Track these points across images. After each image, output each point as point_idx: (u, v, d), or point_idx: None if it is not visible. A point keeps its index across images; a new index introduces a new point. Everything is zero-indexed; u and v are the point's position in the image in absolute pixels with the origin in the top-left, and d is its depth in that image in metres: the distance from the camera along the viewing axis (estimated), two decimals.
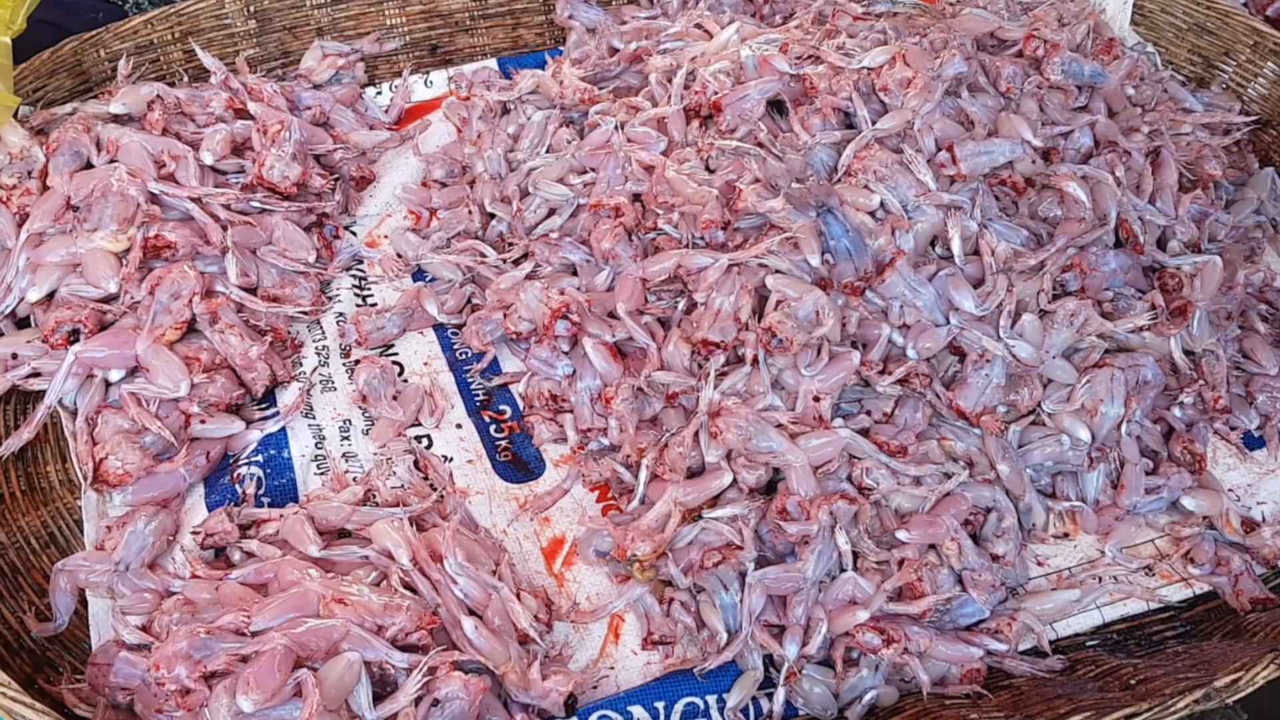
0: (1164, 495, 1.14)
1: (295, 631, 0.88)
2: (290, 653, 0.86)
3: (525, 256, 1.32)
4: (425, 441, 1.20)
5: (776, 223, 1.12)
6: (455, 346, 1.31)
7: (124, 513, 1.09)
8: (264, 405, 1.23)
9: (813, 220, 1.10)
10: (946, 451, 1.11)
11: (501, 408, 1.25)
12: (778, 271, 1.11)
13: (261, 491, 1.14)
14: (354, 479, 1.15)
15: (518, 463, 1.21)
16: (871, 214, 1.14)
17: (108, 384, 1.17)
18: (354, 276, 1.38)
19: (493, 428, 1.23)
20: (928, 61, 1.20)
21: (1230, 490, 1.18)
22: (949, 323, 1.12)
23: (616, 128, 1.34)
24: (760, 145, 1.17)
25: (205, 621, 0.91)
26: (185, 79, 1.51)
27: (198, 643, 0.87)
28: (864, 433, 1.10)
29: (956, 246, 1.14)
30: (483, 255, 1.34)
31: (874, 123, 1.20)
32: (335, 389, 1.25)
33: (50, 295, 1.20)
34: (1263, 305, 1.33)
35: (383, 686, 0.92)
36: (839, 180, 1.16)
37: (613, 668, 1.04)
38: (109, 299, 1.20)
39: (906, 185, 1.15)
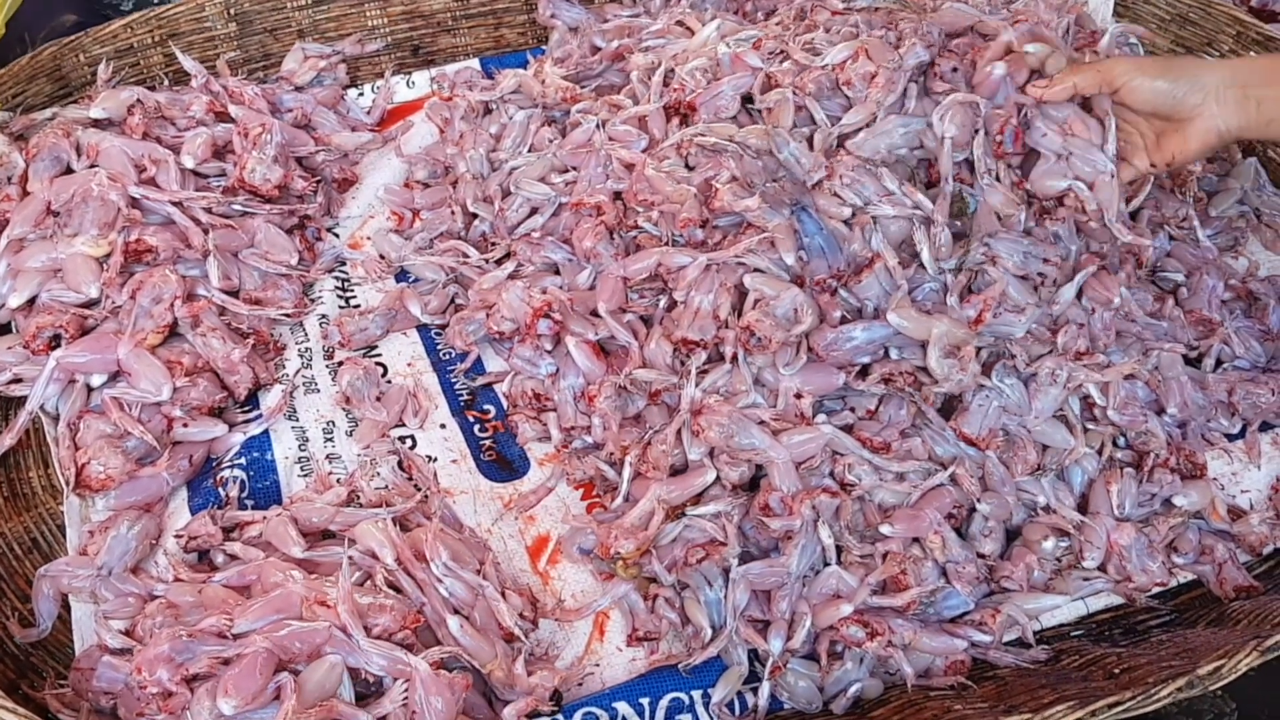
0: (1156, 498, 1.14)
1: (277, 634, 0.88)
2: (272, 655, 0.86)
3: (508, 256, 1.32)
4: (409, 442, 1.20)
5: (753, 221, 1.12)
6: (439, 347, 1.31)
7: (107, 517, 1.09)
8: (247, 408, 1.23)
9: (787, 219, 1.11)
10: (930, 455, 1.11)
11: (485, 407, 1.25)
12: (756, 270, 1.11)
13: (245, 494, 1.14)
14: (338, 480, 1.15)
15: (502, 462, 1.21)
16: (845, 222, 1.14)
17: (90, 389, 1.17)
18: (337, 278, 1.38)
19: (477, 427, 1.23)
20: (889, 53, 1.19)
21: (1215, 479, 1.18)
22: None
23: (598, 126, 1.34)
24: (735, 142, 1.17)
25: (187, 625, 0.91)
26: (166, 82, 1.50)
27: (179, 646, 0.87)
28: (848, 429, 1.10)
29: (926, 257, 1.13)
30: (465, 255, 1.34)
31: (840, 118, 1.20)
32: (318, 390, 1.25)
33: (31, 301, 1.20)
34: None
35: (367, 686, 0.92)
36: (814, 187, 1.16)
37: (598, 664, 1.04)
38: (90, 304, 1.20)
39: (875, 190, 1.14)
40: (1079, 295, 1.19)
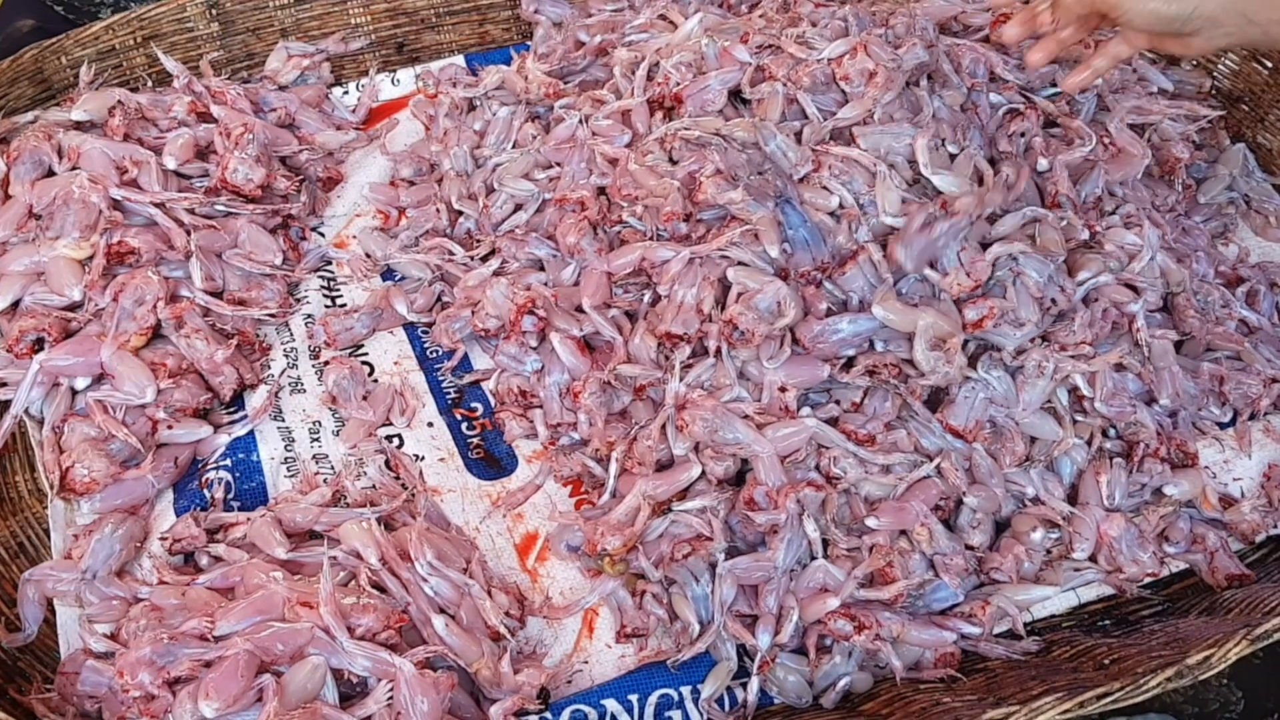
0: (1146, 487, 1.14)
1: (259, 636, 0.88)
2: (253, 657, 0.86)
3: (493, 253, 1.31)
4: (397, 441, 1.20)
5: (736, 214, 1.11)
6: (426, 345, 1.31)
7: (91, 521, 1.08)
8: (232, 409, 1.23)
9: (771, 211, 1.10)
10: (916, 447, 1.10)
11: (473, 405, 1.25)
12: (739, 263, 1.11)
13: (231, 495, 1.14)
14: (324, 480, 1.14)
15: (490, 459, 1.20)
16: (831, 214, 1.14)
17: (74, 392, 1.16)
18: (322, 277, 1.37)
19: (464, 425, 1.23)
20: (888, 52, 1.19)
21: (1206, 468, 1.18)
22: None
23: (581, 121, 1.34)
24: (720, 136, 1.17)
25: (170, 628, 0.91)
26: (149, 84, 1.50)
27: (161, 649, 0.86)
28: (833, 422, 1.09)
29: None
30: (451, 253, 1.33)
31: (835, 112, 1.19)
32: (304, 390, 1.24)
33: (15, 305, 1.19)
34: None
35: (351, 687, 0.92)
36: (800, 180, 1.16)
37: (586, 662, 1.04)
38: (73, 307, 1.19)
39: (863, 182, 1.14)
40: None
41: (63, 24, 1.69)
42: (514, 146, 1.41)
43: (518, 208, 1.35)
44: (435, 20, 1.66)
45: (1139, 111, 1.40)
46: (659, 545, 1.05)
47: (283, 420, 1.21)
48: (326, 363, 1.25)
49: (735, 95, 1.27)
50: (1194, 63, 1.57)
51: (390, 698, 0.89)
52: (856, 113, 1.18)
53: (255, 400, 1.22)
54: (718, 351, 1.10)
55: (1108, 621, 1.09)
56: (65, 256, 1.19)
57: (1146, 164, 1.28)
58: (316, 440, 1.20)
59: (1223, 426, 1.22)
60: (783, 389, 1.08)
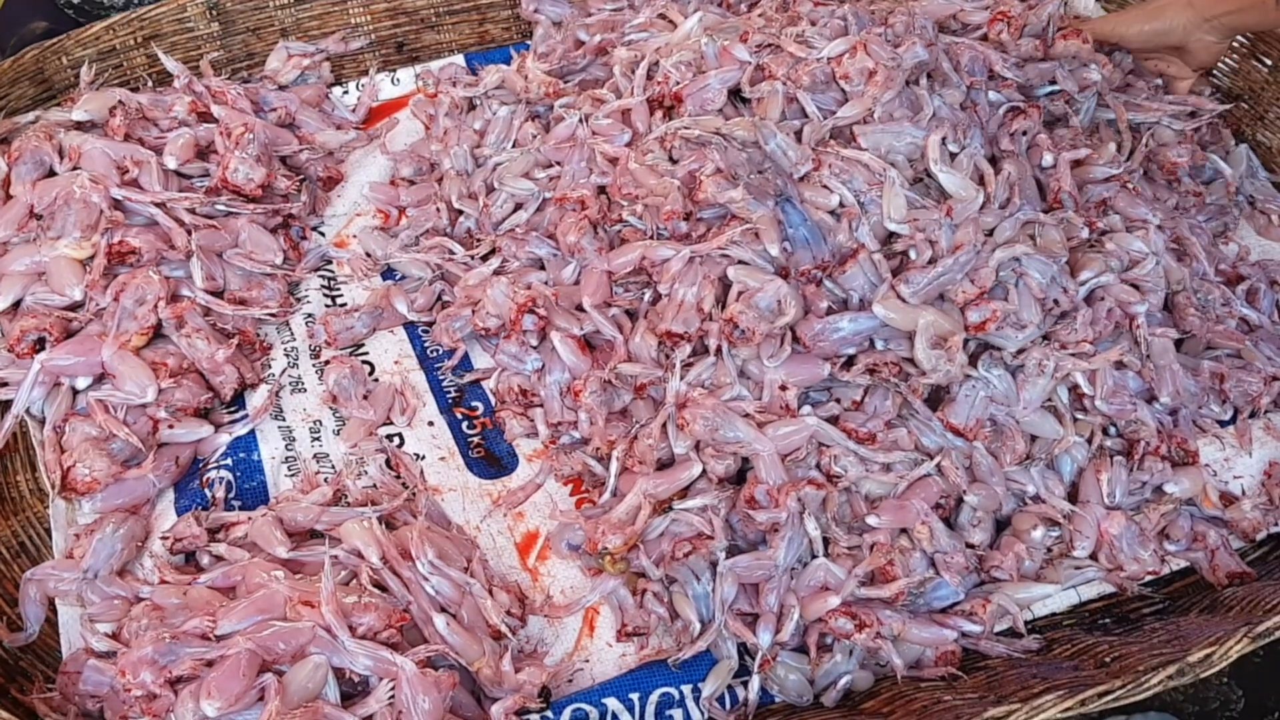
0: (1147, 485, 1.14)
1: (261, 635, 0.88)
2: (255, 657, 0.86)
3: (493, 252, 1.31)
4: (397, 440, 1.20)
5: (737, 213, 1.11)
6: (426, 344, 1.31)
7: (93, 520, 1.08)
8: (233, 409, 1.23)
9: (771, 210, 1.10)
10: (916, 445, 1.10)
11: (474, 404, 1.25)
12: (740, 262, 1.11)
13: (232, 495, 1.14)
14: (325, 480, 1.14)
15: (490, 459, 1.21)
16: (831, 212, 1.14)
17: (75, 392, 1.16)
18: (323, 277, 1.37)
19: (465, 424, 1.23)
20: (888, 50, 1.19)
21: (1207, 466, 1.18)
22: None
23: (581, 121, 1.34)
24: (720, 134, 1.17)
25: (172, 627, 0.91)
26: (149, 84, 1.50)
27: (162, 648, 0.86)
28: (833, 420, 1.09)
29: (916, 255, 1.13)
30: (451, 252, 1.33)
31: (835, 111, 1.19)
32: (305, 390, 1.24)
33: (16, 304, 1.19)
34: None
35: (353, 686, 0.92)
36: (800, 179, 1.16)
37: (588, 660, 1.04)
38: (75, 306, 1.19)
39: (864, 180, 1.14)
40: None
41: (73, 27, 1.69)
42: (514, 146, 1.41)
43: (518, 207, 1.35)
44: (435, 20, 1.66)
45: (1139, 109, 1.40)
46: (660, 544, 1.05)
47: (283, 419, 1.21)
48: (327, 362, 1.25)
49: (735, 94, 1.27)
50: None
51: (392, 697, 0.89)
52: (856, 111, 1.18)
53: (256, 400, 1.22)
54: (718, 350, 1.10)
55: (1108, 620, 1.09)
56: (66, 256, 1.19)
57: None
58: (317, 439, 1.20)
59: (1223, 424, 1.22)
60: (783, 387, 1.08)
